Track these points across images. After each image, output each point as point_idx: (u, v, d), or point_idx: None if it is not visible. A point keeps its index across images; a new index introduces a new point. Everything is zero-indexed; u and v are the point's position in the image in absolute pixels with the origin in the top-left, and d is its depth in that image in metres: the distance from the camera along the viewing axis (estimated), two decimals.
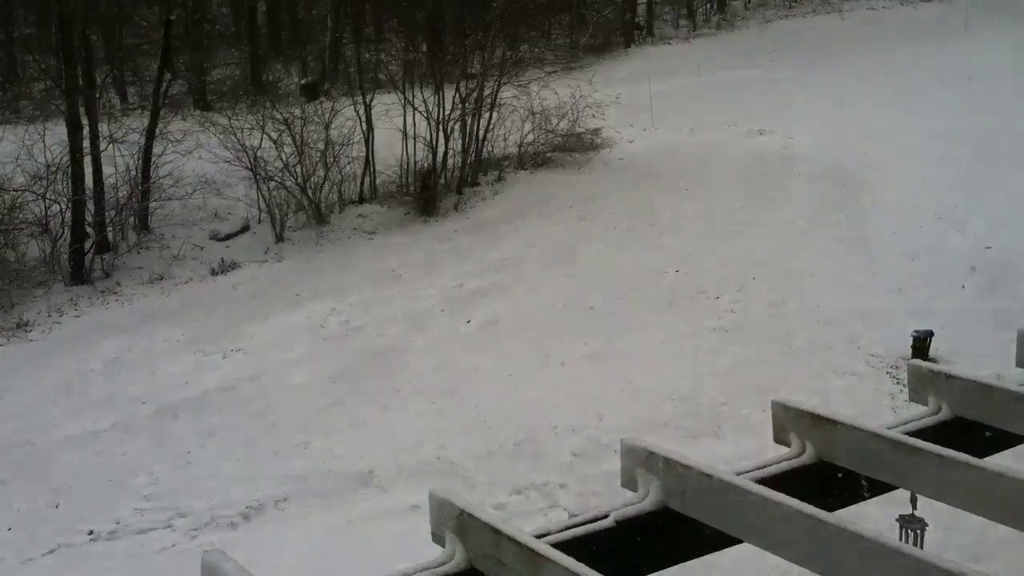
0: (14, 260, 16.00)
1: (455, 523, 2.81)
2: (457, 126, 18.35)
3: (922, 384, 3.71)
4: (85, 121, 17.29)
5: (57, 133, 16.91)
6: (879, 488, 3.27)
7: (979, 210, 13.06)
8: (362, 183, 18.36)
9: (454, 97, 18.19)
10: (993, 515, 2.95)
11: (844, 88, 20.06)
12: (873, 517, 3.23)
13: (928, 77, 19.34)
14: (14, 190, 16.44)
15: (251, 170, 17.45)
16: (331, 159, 17.86)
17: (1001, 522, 2.97)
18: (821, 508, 2.74)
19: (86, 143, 17.13)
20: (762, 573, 4.62)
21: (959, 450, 3.06)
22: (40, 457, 10.21)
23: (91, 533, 8.41)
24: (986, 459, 3.05)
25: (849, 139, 16.71)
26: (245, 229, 17.68)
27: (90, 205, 16.91)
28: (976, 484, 2.92)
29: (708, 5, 33.15)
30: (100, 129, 17.75)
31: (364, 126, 18.31)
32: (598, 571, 2.50)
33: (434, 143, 18.12)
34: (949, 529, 3.86)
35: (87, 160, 17.10)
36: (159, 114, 18.65)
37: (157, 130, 18.30)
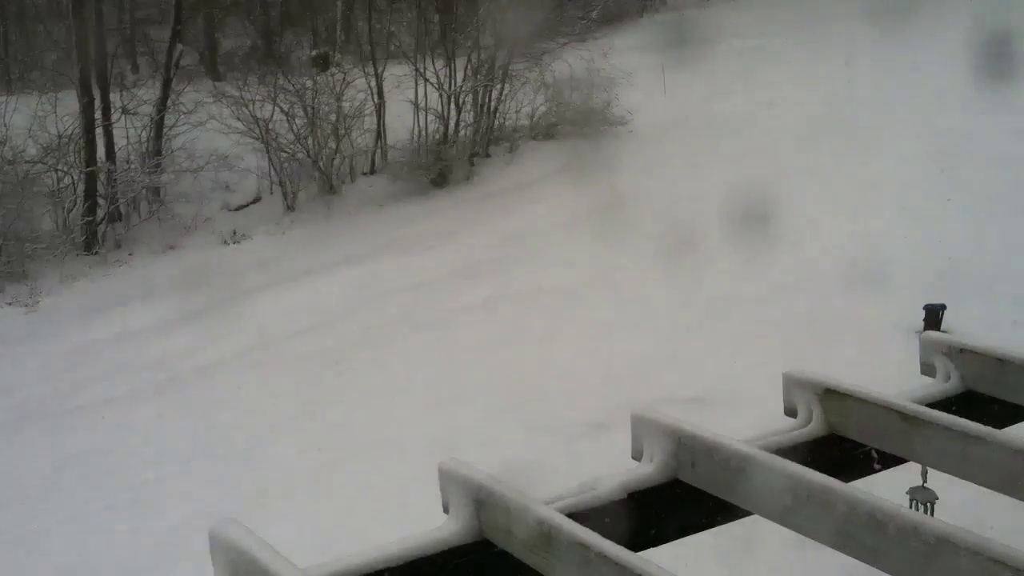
0: (27, 231, 16.06)
1: (465, 494, 2.82)
2: (469, 97, 18.31)
3: (934, 356, 3.70)
4: (97, 92, 17.29)
5: (69, 104, 16.90)
6: (889, 460, 3.27)
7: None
8: (373, 154, 18.36)
9: (466, 68, 18.14)
10: (1005, 488, 2.94)
11: (864, 54, 19.84)
12: (883, 489, 3.21)
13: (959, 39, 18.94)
14: (26, 162, 16.47)
15: (262, 141, 17.46)
16: (342, 131, 17.86)
17: (1013, 495, 2.96)
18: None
19: (98, 114, 17.14)
20: (774, 546, 4.62)
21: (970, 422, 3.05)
22: (51, 426, 10.28)
23: (106, 505, 8.46)
24: (998, 432, 3.04)
25: (863, 106, 16.56)
26: (256, 200, 17.71)
27: (102, 176, 16.93)
28: (988, 457, 2.91)
29: None
30: (112, 100, 17.74)
31: (375, 97, 18.28)
32: (608, 543, 2.51)
33: (446, 115, 18.10)
34: (959, 502, 3.86)
35: (99, 131, 17.12)
36: (170, 85, 18.64)
37: (169, 101, 18.30)
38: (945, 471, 3.09)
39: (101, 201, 16.79)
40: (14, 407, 10.90)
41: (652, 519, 2.98)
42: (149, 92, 18.86)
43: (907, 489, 3.53)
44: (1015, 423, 3.45)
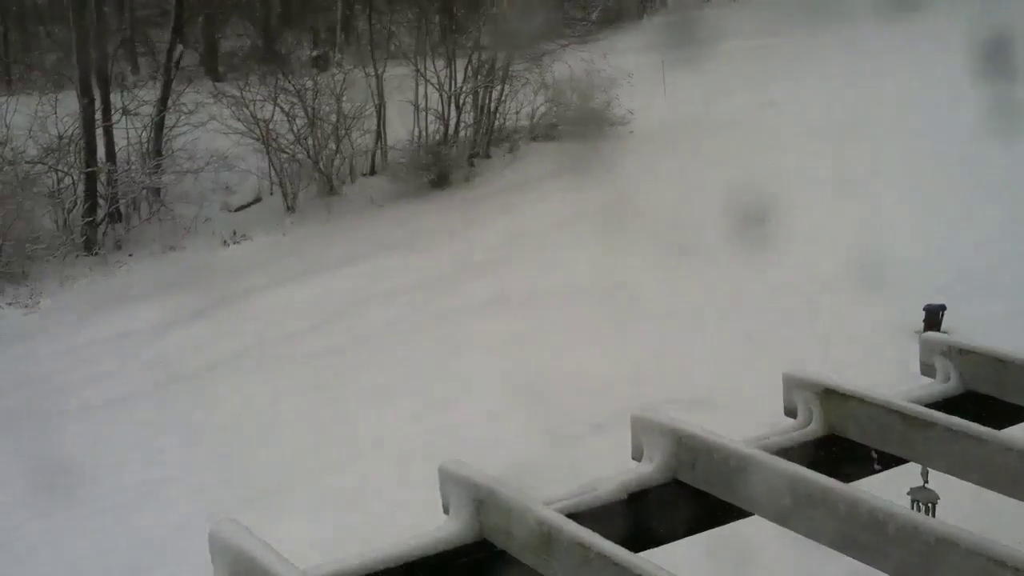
0: (27, 232, 16.05)
1: (465, 495, 2.82)
2: (469, 98, 18.31)
3: (934, 356, 3.69)
4: (97, 93, 17.29)
5: (69, 104, 16.90)
6: (889, 460, 3.26)
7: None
8: (373, 155, 18.36)
9: (466, 69, 18.14)
10: (1005, 489, 2.94)
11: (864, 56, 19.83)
12: (883, 489, 3.21)
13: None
14: (27, 162, 16.47)
15: (263, 142, 17.46)
16: (343, 131, 17.87)
17: (1013, 496, 2.95)
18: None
19: (98, 115, 17.15)
20: (775, 546, 4.61)
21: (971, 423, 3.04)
22: (51, 426, 10.26)
23: (105, 505, 8.45)
24: (998, 432, 3.03)
25: (865, 106, 16.54)
26: (257, 201, 17.72)
27: (102, 177, 16.93)
28: (988, 457, 2.90)
29: None
30: (112, 100, 17.74)
31: (376, 98, 18.29)
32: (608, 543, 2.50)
33: (446, 115, 18.10)
34: (960, 504, 3.85)
35: (99, 132, 17.13)
36: (171, 85, 18.63)
37: (169, 102, 18.30)
38: (945, 471, 3.09)
39: (101, 202, 16.79)
40: (14, 407, 10.89)
41: (652, 519, 2.98)
42: (149, 92, 18.85)
43: (908, 490, 3.53)
44: (1015, 423, 3.45)
